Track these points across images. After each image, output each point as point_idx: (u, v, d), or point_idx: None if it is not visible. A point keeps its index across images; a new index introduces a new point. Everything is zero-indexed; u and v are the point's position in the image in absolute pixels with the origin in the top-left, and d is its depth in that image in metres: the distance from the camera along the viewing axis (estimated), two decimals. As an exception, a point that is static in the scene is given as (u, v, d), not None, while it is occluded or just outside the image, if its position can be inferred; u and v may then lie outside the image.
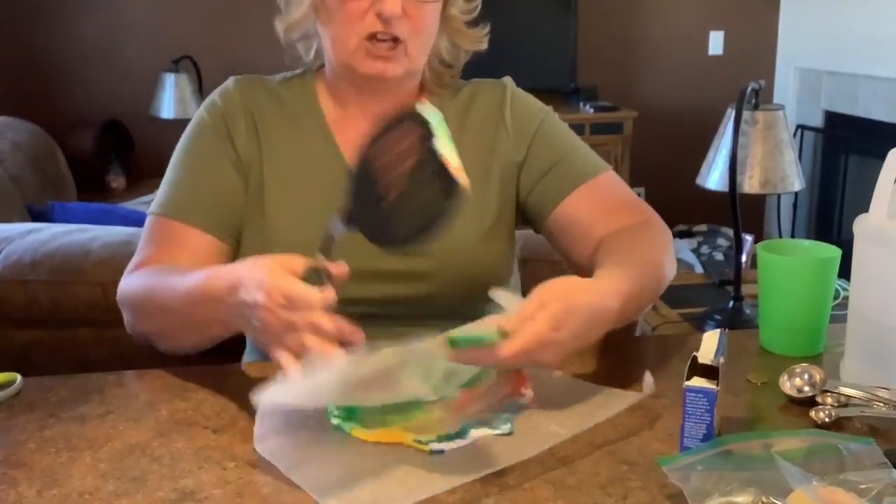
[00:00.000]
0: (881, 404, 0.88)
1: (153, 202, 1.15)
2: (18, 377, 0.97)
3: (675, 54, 4.60)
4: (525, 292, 0.89)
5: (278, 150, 1.16)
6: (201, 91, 3.94)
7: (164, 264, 1.07)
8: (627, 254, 1.06)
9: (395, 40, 1.08)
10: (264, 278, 0.84)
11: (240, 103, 1.17)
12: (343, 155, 1.15)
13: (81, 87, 4.07)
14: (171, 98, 3.86)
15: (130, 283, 1.08)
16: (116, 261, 1.64)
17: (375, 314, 1.02)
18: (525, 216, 1.22)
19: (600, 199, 1.17)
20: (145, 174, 3.89)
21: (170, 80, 3.85)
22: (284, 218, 1.13)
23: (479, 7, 1.19)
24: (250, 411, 0.91)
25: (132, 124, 4.01)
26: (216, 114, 1.16)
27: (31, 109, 3.61)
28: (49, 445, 0.84)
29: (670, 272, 1.10)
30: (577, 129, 4.06)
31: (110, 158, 3.89)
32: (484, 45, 1.20)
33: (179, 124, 3.86)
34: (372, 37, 1.08)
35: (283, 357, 0.83)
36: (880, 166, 0.92)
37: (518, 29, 4.11)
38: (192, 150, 1.16)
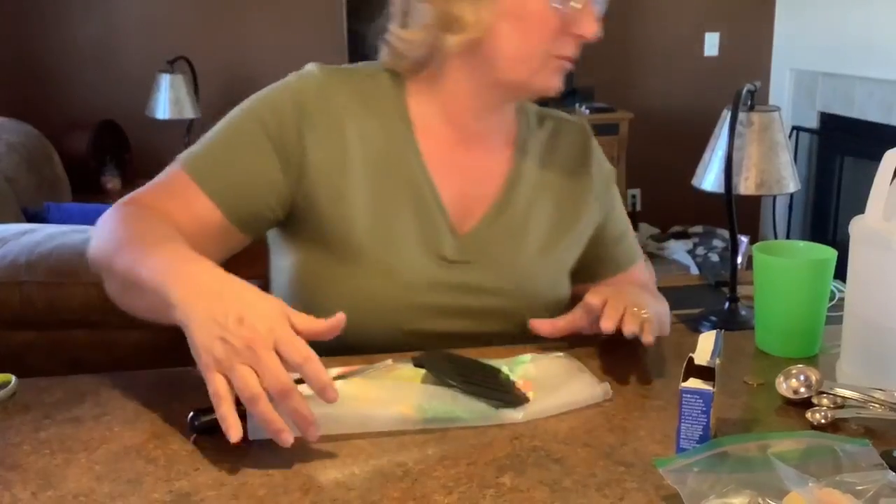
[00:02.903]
0: (877, 406, 0.88)
1: (186, 150, 1.10)
2: (13, 378, 0.97)
3: (671, 56, 4.60)
4: None
5: (357, 151, 1.10)
6: (197, 92, 3.94)
7: (159, 212, 1.03)
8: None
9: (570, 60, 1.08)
10: (280, 327, 0.81)
11: (320, 96, 1.10)
12: (431, 175, 1.11)
13: (77, 87, 4.07)
14: (166, 99, 3.85)
15: (112, 215, 1.04)
16: (112, 262, 1.64)
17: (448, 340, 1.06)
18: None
19: (645, 280, 1.30)
20: (141, 175, 3.88)
21: (165, 80, 3.85)
22: (361, 219, 1.08)
23: None
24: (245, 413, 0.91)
25: (128, 125, 4.01)
26: (285, 101, 1.09)
27: (26, 110, 3.61)
28: (44, 447, 0.84)
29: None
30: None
31: (106, 159, 3.88)
32: None
33: (175, 125, 3.88)
34: (562, 55, 1.07)
35: (223, 389, 0.81)
36: (875, 168, 0.92)
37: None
38: (242, 122, 1.09)
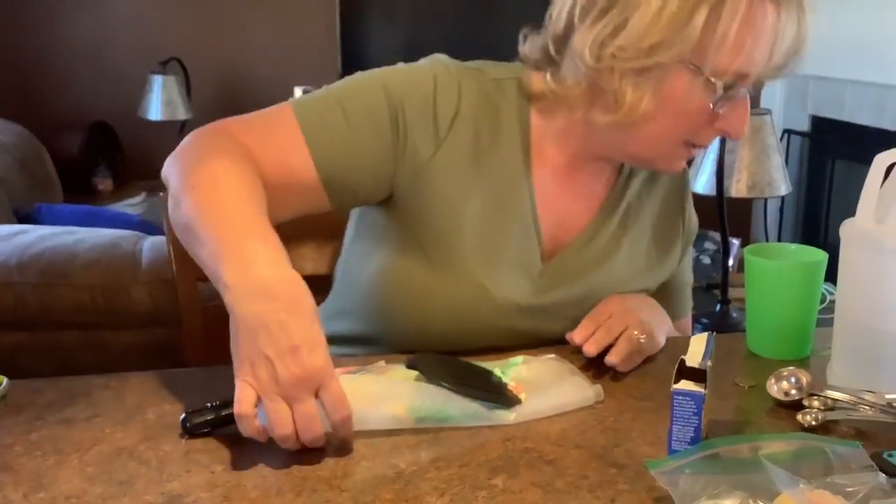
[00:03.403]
0: (868, 408, 0.88)
1: (302, 97, 1.06)
2: (5, 380, 0.97)
3: (663, 59, 4.60)
4: None
5: (477, 161, 1.06)
6: (189, 93, 3.93)
7: (249, 152, 0.98)
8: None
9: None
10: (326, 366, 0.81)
11: (453, 96, 1.05)
12: (535, 197, 1.09)
13: (68, 88, 4.05)
14: (158, 100, 3.84)
15: (200, 141, 0.99)
16: (103, 263, 1.64)
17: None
18: None
19: (679, 332, 1.27)
20: (133, 176, 3.87)
21: (158, 81, 3.84)
22: (469, 233, 1.06)
23: None
24: (238, 414, 0.91)
25: (120, 126, 3.99)
26: (420, 87, 1.04)
27: (17, 111, 3.59)
28: (35, 448, 0.84)
29: None
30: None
31: (97, 160, 3.87)
32: None
33: (167, 126, 3.87)
34: (697, 144, 1.05)
35: (251, 402, 0.80)
36: (866, 171, 0.93)
37: (506, 34, 4.11)
38: (371, 91, 1.04)
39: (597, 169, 1.13)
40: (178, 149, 0.99)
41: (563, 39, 1.03)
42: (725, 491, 0.70)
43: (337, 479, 0.79)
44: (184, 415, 0.86)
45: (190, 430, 0.85)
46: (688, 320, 1.31)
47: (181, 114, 3.86)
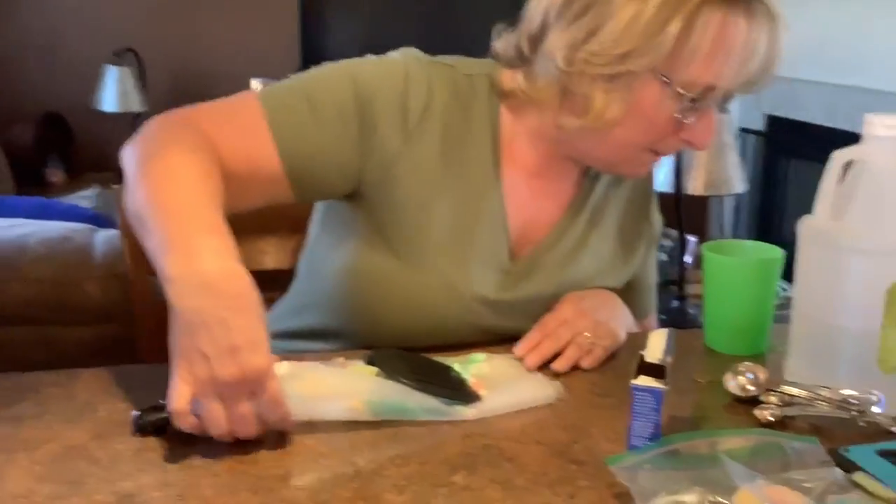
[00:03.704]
0: (824, 403, 0.89)
1: (268, 87, 1.04)
2: (-50, 377, 0.94)
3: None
4: None
5: (447, 158, 1.05)
6: (144, 85, 3.87)
7: (210, 141, 0.96)
8: None
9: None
10: (265, 365, 0.79)
11: (423, 91, 1.04)
12: (503, 193, 1.08)
13: (20, 78, 3.97)
14: (113, 91, 3.78)
15: (159, 129, 0.97)
16: (54, 257, 1.61)
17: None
18: None
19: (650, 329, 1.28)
20: (86, 169, 3.80)
21: (112, 73, 3.78)
22: (437, 229, 1.05)
23: None
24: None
25: (73, 118, 3.92)
26: (389, 81, 1.03)
27: (-34, 101, 3.51)
28: (-18, 447, 0.82)
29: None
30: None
31: (50, 152, 3.80)
32: None
33: (122, 118, 3.81)
34: (661, 152, 1.06)
35: (186, 399, 0.79)
36: (820, 170, 0.93)
37: (470, 27, 4.10)
38: (339, 83, 1.02)
39: (565, 169, 1.13)
40: (137, 135, 0.97)
41: (537, 39, 1.02)
42: (684, 487, 0.71)
43: (294, 477, 0.77)
44: (135, 413, 0.84)
45: (142, 429, 0.84)
46: (652, 319, 1.31)
47: (136, 106, 3.80)
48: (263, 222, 1.11)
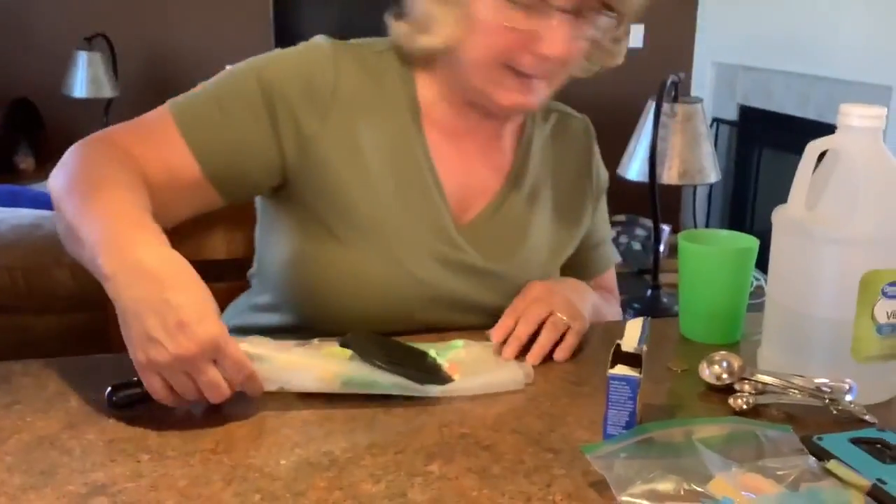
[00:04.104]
0: (797, 392, 0.90)
1: (178, 97, 1.06)
2: (-83, 366, 0.92)
3: (597, 45, 4.65)
4: None
5: (366, 134, 1.06)
6: (115, 71, 3.82)
7: (130, 155, 0.98)
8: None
9: (540, 77, 1.04)
10: (216, 331, 0.80)
11: (332, 73, 1.05)
12: (433, 162, 1.09)
13: (-12, 63, 3.91)
14: (83, 77, 3.73)
15: (77, 150, 0.99)
16: (25, 244, 1.58)
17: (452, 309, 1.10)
18: None
19: (602, 285, 1.31)
20: (56, 155, 3.68)
21: (83, 58, 3.72)
22: (367, 204, 1.05)
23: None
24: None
25: (42, 103, 3.87)
26: (295, 71, 1.04)
27: (-67, 86, 3.45)
28: (-50, 438, 0.80)
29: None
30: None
31: (19, 138, 3.74)
32: (621, 60, 1.16)
33: (92, 104, 3.77)
34: (521, 71, 1.02)
35: (158, 388, 0.82)
36: (793, 160, 0.94)
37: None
38: (245, 81, 1.04)
39: (492, 131, 1.14)
40: (60, 161, 0.99)
41: None
42: (660, 475, 0.71)
43: (269, 466, 0.77)
44: (109, 388, 0.84)
45: (115, 404, 0.84)
46: (611, 273, 1.35)
47: (107, 91, 3.75)
48: (208, 215, 1.11)
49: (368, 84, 1.08)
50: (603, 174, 1.28)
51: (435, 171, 1.09)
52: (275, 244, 1.11)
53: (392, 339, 0.97)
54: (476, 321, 1.09)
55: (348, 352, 0.90)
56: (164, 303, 0.79)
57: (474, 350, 1.00)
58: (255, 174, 1.05)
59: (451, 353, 0.98)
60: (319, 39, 1.09)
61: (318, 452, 0.79)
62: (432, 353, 0.96)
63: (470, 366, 0.95)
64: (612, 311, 1.30)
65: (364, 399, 0.89)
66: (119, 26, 3.89)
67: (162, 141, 1.02)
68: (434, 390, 0.89)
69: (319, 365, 0.89)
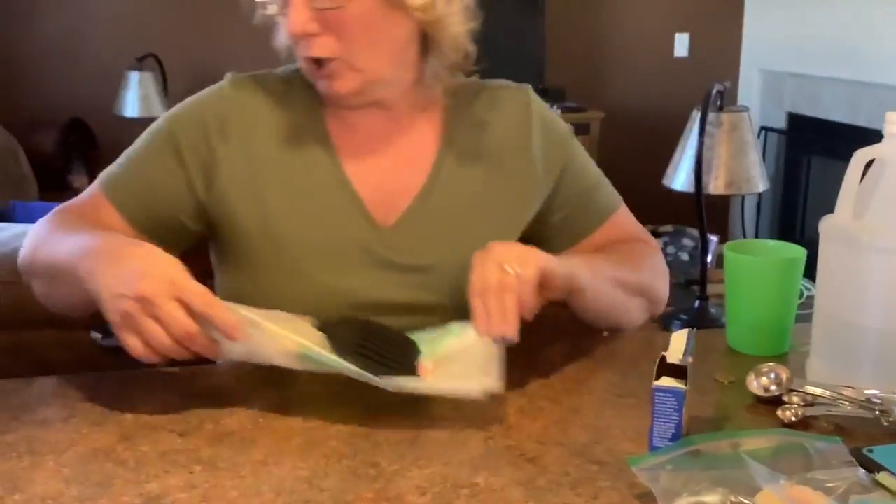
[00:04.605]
0: (847, 403, 0.89)
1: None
2: (-21, 380, 0.95)
3: (642, 56, 4.63)
4: None
5: (275, 161, 1.08)
6: (166, 90, 3.90)
7: (83, 218, 1.06)
8: (613, 253, 1.14)
9: (321, 61, 1.02)
10: (171, 274, 0.86)
11: (230, 108, 1.09)
12: (345, 172, 1.09)
13: (44, 84, 4.01)
14: (135, 97, 3.81)
15: (35, 227, 1.08)
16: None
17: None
18: (534, 242, 1.04)
19: (615, 236, 1.20)
20: (109, 174, 3.83)
21: (134, 78, 3.81)
22: (286, 231, 1.06)
23: None
24: (218, 413, 0.90)
25: (95, 123, 3.96)
26: (194, 116, 1.09)
27: (-9, 107, 3.55)
28: (10, 450, 0.83)
29: (663, 291, 1.18)
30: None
31: (73, 157, 3.83)
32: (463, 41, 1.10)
33: (143, 123, 3.81)
34: (304, 58, 1.03)
35: (135, 345, 0.86)
36: (842, 167, 0.93)
37: (486, 29, 4.11)
38: (153, 136, 1.10)
39: (402, 129, 1.12)
40: (24, 240, 1.08)
41: None
42: (706, 487, 0.71)
43: (317, 478, 0.78)
44: (96, 335, 0.88)
45: (101, 345, 0.86)
46: (620, 217, 1.22)
47: (158, 110, 3.83)
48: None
49: (271, 110, 1.10)
50: (556, 131, 1.18)
51: (347, 182, 1.08)
52: (219, 288, 1.13)
53: (380, 326, 0.96)
54: (423, 322, 1.04)
55: (320, 334, 0.91)
56: (121, 263, 0.88)
57: (467, 338, 0.93)
58: (183, 221, 1.09)
59: (442, 348, 0.94)
60: (224, 81, 1.12)
61: (366, 464, 0.80)
62: (422, 347, 0.94)
63: (447, 368, 0.92)
64: (644, 259, 1.17)
65: (409, 411, 0.89)
66: (169, 47, 3.97)
67: (99, 207, 1.08)
68: (380, 382, 0.87)
69: (288, 339, 0.89)
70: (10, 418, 0.89)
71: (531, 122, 1.16)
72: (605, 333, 1.15)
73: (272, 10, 1.03)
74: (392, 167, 1.11)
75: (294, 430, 0.87)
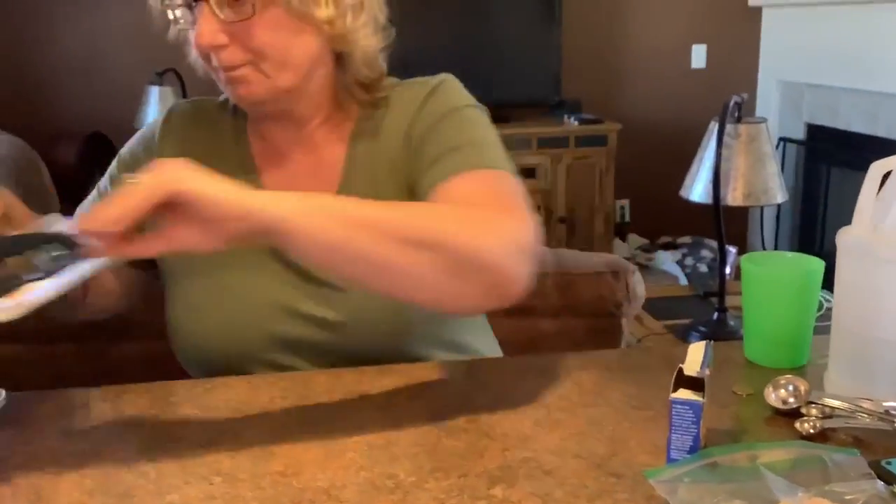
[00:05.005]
0: (865, 415, 0.89)
1: None
2: (3, 392, 0.96)
3: (659, 67, 4.63)
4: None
5: None
6: (186, 104, 3.93)
7: None
8: (398, 205, 0.95)
9: (234, 67, 1.02)
10: None
11: (165, 137, 1.15)
12: (262, 182, 1.11)
13: (65, 99, 4.06)
14: (155, 111, 3.85)
15: None
16: (101, 274, 1.64)
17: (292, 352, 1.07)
18: None
19: (473, 190, 0.99)
20: (129, 187, 3.86)
21: (154, 92, 3.85)
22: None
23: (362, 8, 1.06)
24: (237, 425, 0.91)
25: (116, 137, 3.99)
26: (140, 142, 1.17)
27: (13, 121, 3.59)
28: (34, 461, 0.84)
29: (489, 250, 0.88)
30: (562, 141, 4.09)
31: (94, 171, 3.87)
32: (374, 47, 1.09)
33: (164, 137, 3.85)
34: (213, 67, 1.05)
35: None
36: (861, 178, 0.93)
37: (502, 42, 4.12)
38: (111, 171, 1.19)
39: (313, 144, 1.12)
40: None
41: None
42: (724, 499, 0.71)
43: (336, 489, 0.79)
44: None
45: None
46: (498, 173, 1.02)
47: (178, 124, 3.86)
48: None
49: (202, 136, 1.14)
50: (430, 113, 1.09)
51: None
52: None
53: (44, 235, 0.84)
54: (326, 338, 1.06)
55: None
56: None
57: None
58: None
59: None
60: (171, 106, 1.19)
61: (383, 475, 0.81)
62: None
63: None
64: (456, 212, 0.94)
65: (427, 422, 0.90)
66: (189, 62, 4.01)
67: None
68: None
69: None
70: (34, 430, 0.90)
71: (421, 112, 1.09)
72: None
73: (183, 24, 1.05)
74: (307, 186, 1.08)
75: (313, 441, 0.87)
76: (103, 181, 1.20)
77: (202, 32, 0.99)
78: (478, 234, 0.89)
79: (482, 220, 0.92)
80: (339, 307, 1.06)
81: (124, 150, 1.19)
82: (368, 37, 1.08)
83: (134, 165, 1.14)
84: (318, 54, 1.06)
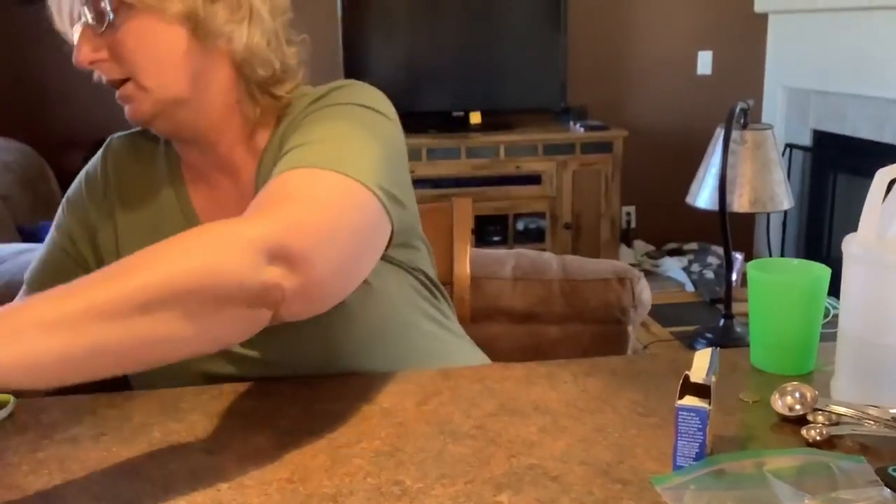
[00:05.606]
0: (872, 422, 0.89)
1: None
2: (11, 398, 0.97)
3: (665, 74, 4.63)
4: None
5: (133, 208, 1.12)
6: (192, 111, 3.95)
7: None
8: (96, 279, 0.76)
9: (117, 83, 1.03)
10: None
11: (108, 164, 1.16)
12: (195, 210, 1.11)
13: (72, 105, 4.07)
14: (162, 118, 3.86)
15: None
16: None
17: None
18: None
19: (275, 190, 0.90)
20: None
21: (161, 99, 3.86)
22: None
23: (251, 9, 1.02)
24: (245, 432, 0.91)
25: (123, 144, 4.02)
26: (77, 189, 1.17)
27: (21, 129, 3.61)
28: (42, 467, 0.84)
29: (220, 272, 0.78)
30: (568, 147, 4.10)
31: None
32: (288, 58, 1.08)
33: (171, 144, 3.86)
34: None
35: None
36: (868, 185, 0.93)
37: (508, 48, 4.13)
38: (59, 214, 1.18)
39: (240, 169, 1.10)
40: None
41: None
42: (730, 507, 0.71)
43: (342, 496, 0.79)
44: None
45: None
46: (318, 171, 0.91)
47: (184, 131, 3.88)
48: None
49: (137, 170, 1.15)
50: (315, 108, 1.05)
51: (198, 218, 1.10)
52: None
53: None
54: (257, 372, 1.05)
55: None
56: None
57: None
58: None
59: None
60: (109, 140, 1.19)
61: (390, 482, 0.81)
62: None
63: None
64: (185, 241, 0.80)
65: (434, 430, 0.90)
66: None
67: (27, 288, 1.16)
68: None
69: None
70: (42, 436, 0.91)
71: (304, 112, 1.05)
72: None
73: (74, 40, 1.04)
74: (235, 211, 0.92)
75: (319, 448, 0.88)
76: (51, 230, 1.18)
77: (77, 48, 1.02)
78: (207, 259, 0.77)
79: (211, 240, 0.80)
80: (269, 346, 1.04)
81: (70, 192, 1.18)
82: (254, 34, 1.02)
83: (80, 209, 1.15)
84: (195, 54, 1.00)
